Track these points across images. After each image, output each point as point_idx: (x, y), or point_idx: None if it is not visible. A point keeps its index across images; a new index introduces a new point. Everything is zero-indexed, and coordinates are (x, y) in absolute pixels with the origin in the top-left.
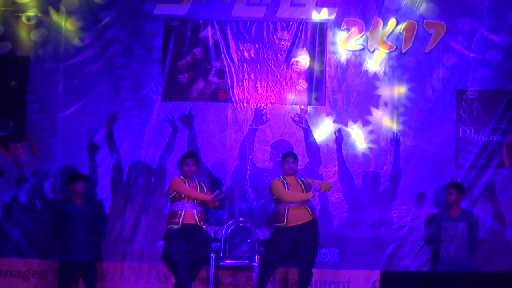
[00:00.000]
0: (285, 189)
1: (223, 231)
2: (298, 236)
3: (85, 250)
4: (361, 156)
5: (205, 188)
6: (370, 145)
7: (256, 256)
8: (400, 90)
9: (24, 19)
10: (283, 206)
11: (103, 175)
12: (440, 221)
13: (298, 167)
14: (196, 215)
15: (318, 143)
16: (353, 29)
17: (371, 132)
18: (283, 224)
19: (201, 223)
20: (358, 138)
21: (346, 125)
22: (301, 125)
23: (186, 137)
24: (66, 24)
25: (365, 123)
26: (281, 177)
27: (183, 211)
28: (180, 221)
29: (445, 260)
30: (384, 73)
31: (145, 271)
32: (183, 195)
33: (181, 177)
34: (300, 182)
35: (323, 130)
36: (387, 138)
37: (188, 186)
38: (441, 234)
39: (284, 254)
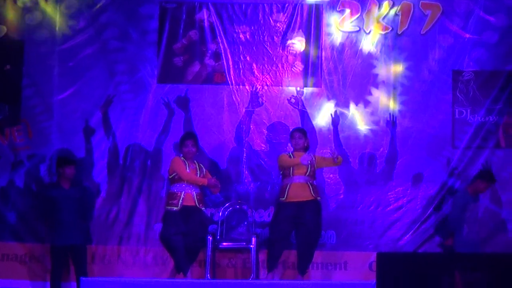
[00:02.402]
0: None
1: (220, 213)
2: (298, 213)
3: (74, 234)
4: (357, 138)
5: (204, 170)
6: (367, 127)
7: (253, 238)
8: (396, 72)
9: (19, 2)
10: (286, 182)
11: (99, 158)
12: (465, 203)
13: (306, 143)
14: (195, 197)
15: (315, 125)
16: (348, 10)
17: (367, 113)
18: (284, 199)
19: (200, 205)
20: (355, 120)
21: (343, 106)
22: (297, 107)
23: (182, 120)
24: (61, 8)
25: (362, 104)
26: (290, 152)
27: (183, 193)
28: (180, 203)
29: (469, 241)
30: (380, 54)
31: (142, 254)
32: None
33: (182, 157)
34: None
35: (320, 112)
36: (383, 120)
37: (188, 168)
38: (465, 216)
39: (285, 231)
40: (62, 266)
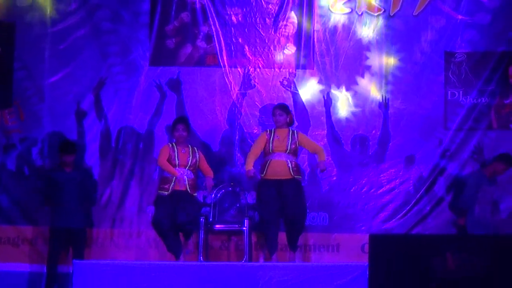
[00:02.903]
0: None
1: (212, 196)
2: (280, 192)
3: (76, 217)
4: (350, 120)
5: (197, 154)
6: (359, 109)
7: (245, 220)
8: (388, 53)
9: None
10: (266, 158)
11: (91, 141)
12: (480, 184)
13: (288, 120)
14: (187, 182)
15: (307, 107)
16: None
17: (359, 95)
18: (263, 175)
19: (192, 190)
20: (347, 102)
21: (335, 88)
22: (289, 89)
23: (174, 102)
24: None
25: (354, 86)
26: (271, 129)
27: (174, 178)
28: (171, 187)
29: (482, 221)
30: (372, 36)
31: (135, 236)
32: (173, 162)
33: (172, 144)
34: (291, 137)
35: (312, 93)
36: (375, 102)
37: (179, 152)
38: (478, 196)
39: (274, 210)
40: (61, 248)
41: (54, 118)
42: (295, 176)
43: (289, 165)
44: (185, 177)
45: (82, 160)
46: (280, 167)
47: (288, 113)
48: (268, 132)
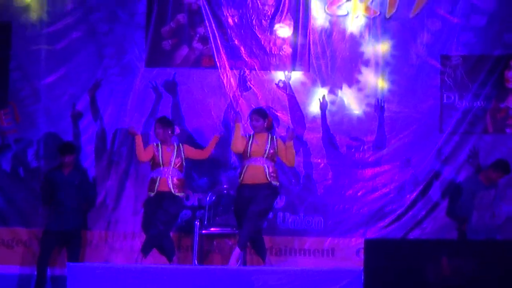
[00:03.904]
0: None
1: (207, 198)
2: (251, 196)
3: (72, 219)
4: (345, 123)
5: (182, 151)
6: (355, 112)
7: None
8: (384, 56)
9: None
10: (244, 163)
11: (86, 142)
12: (476, 190)
13: (266, 125)
14: (171, 182)
15: (303, 110)
16: None
17: (355, 98)
18: (240, 180)
19: (176, 190)
20: (343, 105)
21: (331, 91)
22: (285, 91)
23: (170, 104)
24: None
25: (350, 89)
26: (251, 134)
27: (158, 178)
28: (155, 188)
29: (480, 227)
30: (368, 38)
31: (130, 238)
32: (158, 161)
33: (157, 144)
34: (270, 142)
35: (307, 96)
36: (371, 104)
37: (163, 151)
38: (475, 203)
39: (238, 214)
40: (51, 251)
41: (50, 119)
42: (272, 182)
43: (266, 170)
44: (170, 176)
45: (78, 161)
46: (257, 172)
47: (265, 118)
48: (247, 136)
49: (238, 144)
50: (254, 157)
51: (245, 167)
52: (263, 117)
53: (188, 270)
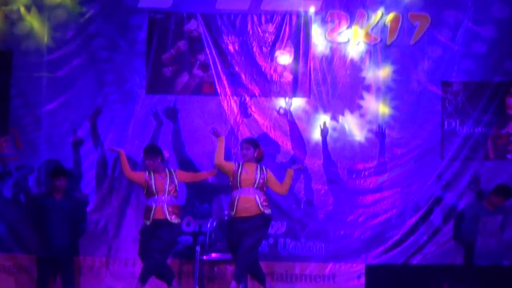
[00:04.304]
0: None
1: (208, 224)
2: (244, 228)
3: (63, 246)
4: (346, 149)
5: (175, 176)
6: (356, 138)
7: None
8: (385, 82)
9: (7, 12)
10: (235, 195)
11: (87, 169)
12: (479, 215)
13: (256, 155)
14: (166, 209)
15: (303, 136)
16: (337, 21)
17: (356, 124)
18: (233, 213)
19: (172, 217)
20: (344, 131)
21: (332, 117)
22: (286, 118)
23: (170, 130)
24: (50, 18)
25: (351, 115)
26: (240, 163)
27: (154, 207)
28: (151, 216)
29: (484, 253)
30: (369, 65)
31: (130, 265)
32: (151, 190)
33: (149, 172)
34: (260, 172)
35: (308, 123)
36: (372, 131)
37: (156, 180)
38: (478, 228)
39: (232, 247)
40: (48, 277)
41: (51, 145)
42: (265, 212)
43: (258, 200)
44: (165, 204)
45: (78, 188)
46: (249, 204)
47: (256, 148)
48: (237, 165)
49: (220, 156)
50: (244, 188)
51: (236, 198)
52: (253, 146)
53: None
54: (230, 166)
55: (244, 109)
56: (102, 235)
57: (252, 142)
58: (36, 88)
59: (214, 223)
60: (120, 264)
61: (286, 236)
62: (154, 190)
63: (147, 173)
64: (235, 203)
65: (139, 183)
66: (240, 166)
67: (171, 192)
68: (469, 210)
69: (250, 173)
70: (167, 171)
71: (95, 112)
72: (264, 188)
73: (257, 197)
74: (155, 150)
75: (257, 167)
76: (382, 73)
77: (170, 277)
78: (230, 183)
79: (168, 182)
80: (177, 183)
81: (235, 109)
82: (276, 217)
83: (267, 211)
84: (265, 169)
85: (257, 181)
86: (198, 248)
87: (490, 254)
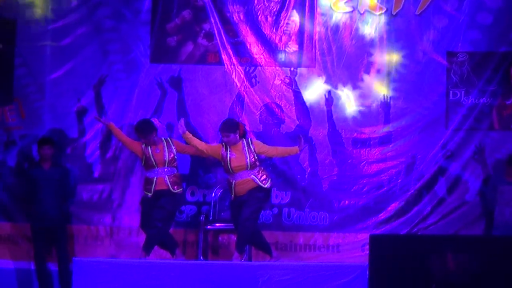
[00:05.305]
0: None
1: (213, 194)
2: (243, 197)
3: (54, 215)
4: (351, 119)
5: (172, 145)
6: (360, 108)
7: None
8: (390, 53)
9: None
10: (230, 180)
11: (91, 138)
12: (496, 184)
13: (239, 135)
14: (168, 180)
15: (308, 106)
16: None
17: (361, 94)
18: (233, 196)
19: (175, 187)
20: (348, 101)
21: (336, 87)
22: (290, 88)
23: (175, 100)
24: None
25: (356, 85)
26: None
27: (155, 178)
28: (152, 188)
29: (500, 223)
30: (374, 35)
31: (135, 234)
32: (150, 163)
33: (144, 143)
34: (248, 151)
35: (313, 92)
36: (377, 101)
37: (153, 152)
38: (496, 197)
39: (234, 219)
40: (44, 246)
41: (55, 115)
42: (262, 186)
43: (256, 180)
44: (166, 175)
45: (83, 157)
46: (247, 185)
47: (235, 131)
48: (224, 147)
49: (200, 144)
50: (238, 173)
51: (233, 184)
52: (232, 131)
53: (193, 266)
54: (216, 149)
55: (249, 79)
56: (107, 204)
57: (229, 128)
58: (40, 57)
59: (219, 193)
60: (125, 233)
61: (290, 206)
62: (154, 162)
63: (143, 145)
64: (232, 188)
65: (136, 152)
66: (228, 149)
67: (172, 163)
68: (491, 181)
69: (239, 156)
70: (163, 141)
71: (99, 81)
72: (257, 163)
73: (253, 177)
74: (148, 128)
75: (243, 147)
76: (387, 43)
77: (173, 246)
78: (223, 167)
79: (166, 153)
80: (175, 153)
81: (240, 79)
82: (280, 187)
83: (267, 185)
84: (251, 142)
85: (248, 163)
86: (202, 218)
87: (506, 225)
